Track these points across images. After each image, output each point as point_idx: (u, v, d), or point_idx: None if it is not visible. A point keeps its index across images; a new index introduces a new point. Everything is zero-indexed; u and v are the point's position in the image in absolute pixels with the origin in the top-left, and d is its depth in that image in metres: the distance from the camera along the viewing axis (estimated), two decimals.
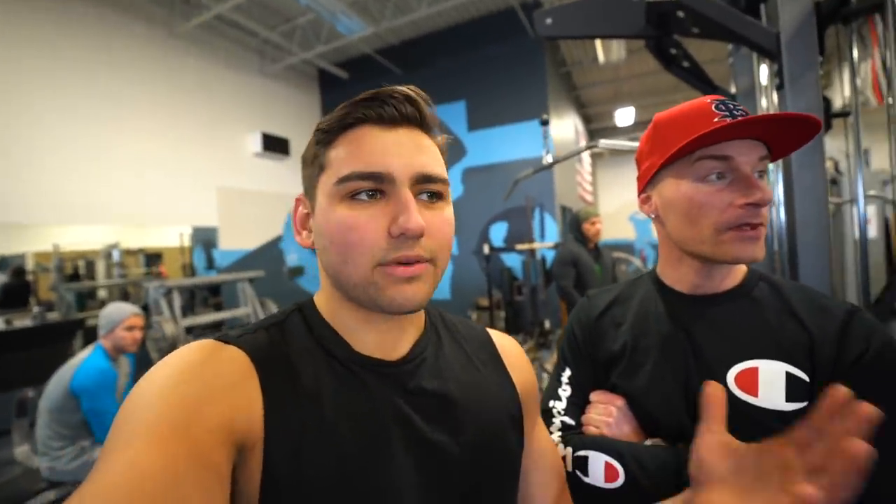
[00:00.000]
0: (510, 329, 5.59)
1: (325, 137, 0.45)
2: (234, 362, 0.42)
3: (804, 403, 0.54)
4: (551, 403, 0.72)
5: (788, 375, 0.56)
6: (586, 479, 0.60)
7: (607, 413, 0.65)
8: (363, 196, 0.43)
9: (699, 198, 0.58)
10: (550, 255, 5.95)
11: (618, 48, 5.83)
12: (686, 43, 1.61)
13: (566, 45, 6.66)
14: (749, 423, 0.54)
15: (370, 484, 0.42)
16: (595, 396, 0.69)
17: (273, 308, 5.15)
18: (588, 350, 0.72)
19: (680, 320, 0.65)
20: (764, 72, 1.52)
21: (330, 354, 0.46)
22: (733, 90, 1.65)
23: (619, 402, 0.66)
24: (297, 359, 0.45)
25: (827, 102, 1.52)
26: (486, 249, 4.44)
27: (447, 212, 0.46)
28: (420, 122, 0.46)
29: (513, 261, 6.02)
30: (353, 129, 0.44)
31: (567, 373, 0.73)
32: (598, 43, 6.06)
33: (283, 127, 6.25)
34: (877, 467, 0.39)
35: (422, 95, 0.46)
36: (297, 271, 6.46)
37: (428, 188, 0.45)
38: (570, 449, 0.63)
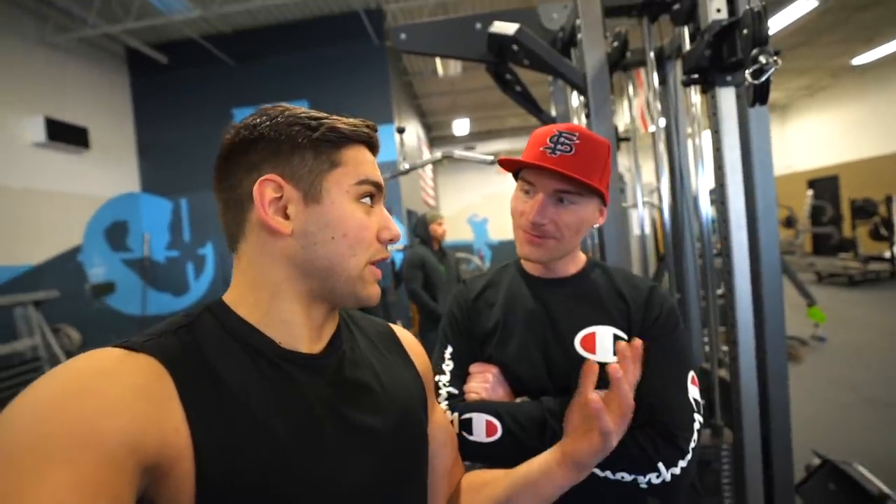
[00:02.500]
0: None
1: (337, 141, 0.50)
2: (145, 371, 0.39)
3: None
4: (437, 378, 0.83)
5: (614, 336, 0.75)
6: (471, 438, 0.73)
7: (484, 380, 0.78)
8: (368, 200, 0.52)
9: (513, 204, 0.79)
10: (400, 257, 6.15)
11: (454, 64, 6.34)
12: (518, 69, 1.89)
13: (408, 56, 6.95)
14: None
15: (310, 474, 0.44)
16: (474, 368, 0.82)
17: (75, 336, 4.19)
18: (466, 327, 0.85)
19: (539, 298, 0.81)
20: (575, 100, 1.89)
21: (255, 351, 0.47)
22: (553, 113, 2.00)
23: (494, 370, 0.80)
24: (216, 360, 0.44)
25: (615, 129, 1.97)
26: None
27: None
28: (378, 151, 0.56)
29: None
30: (358, 144, 0.52)
31: (449, 349, 0.85)
32: (437, 58, 6.48)
33: (79, 113, 5.08)
34: (645, 382, 0.65)
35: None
36: (106, 288, 5.36)
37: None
38: (456, 414, 0.75)
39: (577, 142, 0.72)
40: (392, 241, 0.52)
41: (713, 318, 1.65)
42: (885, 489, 1.73)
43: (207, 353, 0.44)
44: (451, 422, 0.74)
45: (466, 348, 0.84)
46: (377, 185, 0.52)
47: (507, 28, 1.49)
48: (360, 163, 0.51)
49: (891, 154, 8.82)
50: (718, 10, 1.18)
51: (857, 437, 2.72)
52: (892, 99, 9.63)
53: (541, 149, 0.73)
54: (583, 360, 0.72)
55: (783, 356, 1.37)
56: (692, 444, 0.68)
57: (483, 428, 0.73)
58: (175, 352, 0.42)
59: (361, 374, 0.54)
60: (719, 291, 1.79)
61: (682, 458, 0.67)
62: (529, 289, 0.83)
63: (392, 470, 0.52)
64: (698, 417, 0.71)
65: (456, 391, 0.80)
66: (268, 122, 0.48)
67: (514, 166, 0.78)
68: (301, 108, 0.51)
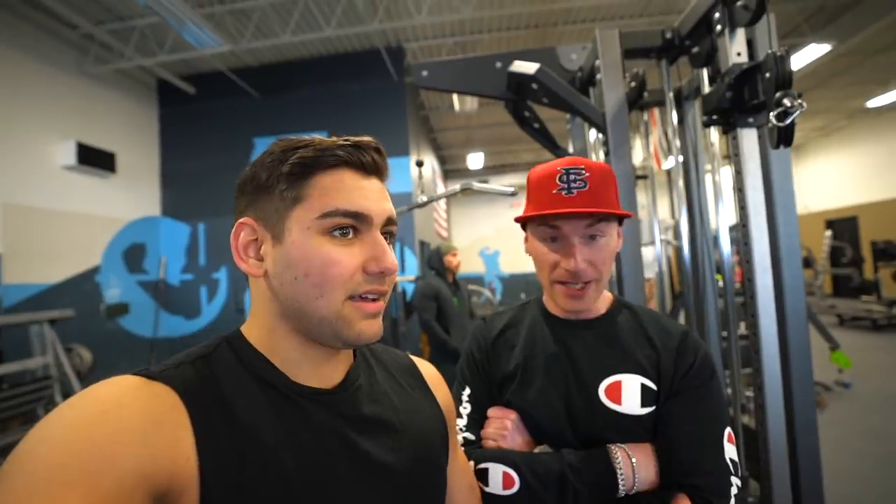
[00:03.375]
0: None
1: (301, 172, 0.46)
2: (160, 400, 0.40)
3: (653, 407, 0.70)
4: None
5: (643, 386, 0.70)
6: (487, 489, 0.69)
7: (502, 427, 0.74)
8: (339, 233, 0.46)
9: (539, 256, 0.74)
10: (411, 288, 6.14)
11: (471, 100, 6.51)
12: (536, 106, 1.93)
13: (425, 91, 7.17)
14: (616, 427, 0.69)
15: None
16: (492, 412, 0.77)
17: (87, 356, 4.22)
18: (485, 369, 0.81)
19: (562, 342, 0.76)
20: (592, 136, 1.91)
21: (268, 385, 0.46)
22: (571, 149, 2.02)
23: (513, 416, 0.75)
24: (231, 392, 0.44)
25: (632, 168, 1.97)
26: None
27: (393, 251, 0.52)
28: (383, 173, 0.51)
29: None
30: (333, 169, 0.47)
31: (467, 391, 0.81)
32: (455, 94, 6.67)
33: (107, 139, 5.30)
34: (677, 441, 0.64)
35: (384, 150, 0.52)
36: (120, 309, 5.42)
37: (389, 229, 0.51)
38: (472, 462, 0.71)
39: (587, 175, 0.69)
40: (384, 273, 0.47)
41: (736, 359, 1.59)
42: None
43: (222, 385, 0.44)
44: None
45: (485, 391, 0.80)
46: (356, 216, 0.46)
47: (527, 67, 1.53)
48: (329, 191, 0.46)
49: None
50: (739, 54, 1.20)
51: (887, 492, 2.56)
52: None
53: (554, 192, 0.69)
54: (607, 410, 0.69)
55: (811, 403, 1.31)
56: None
57: (500, 480, 0.68)
58: (191, 382, 0.42)
59: (379, 410, 0.52)
60: (740, 331, 1.74)
61: None
62: (552, 331, 0.78)
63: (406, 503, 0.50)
64: (735, 481, 0.66)
65: (472, 436, 0.77)
66: (258, 162, 0.48)
67: (538, 219, 0.72)
68: (302, 139, 0.48)
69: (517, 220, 0.75)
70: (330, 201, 0.45)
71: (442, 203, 10.30)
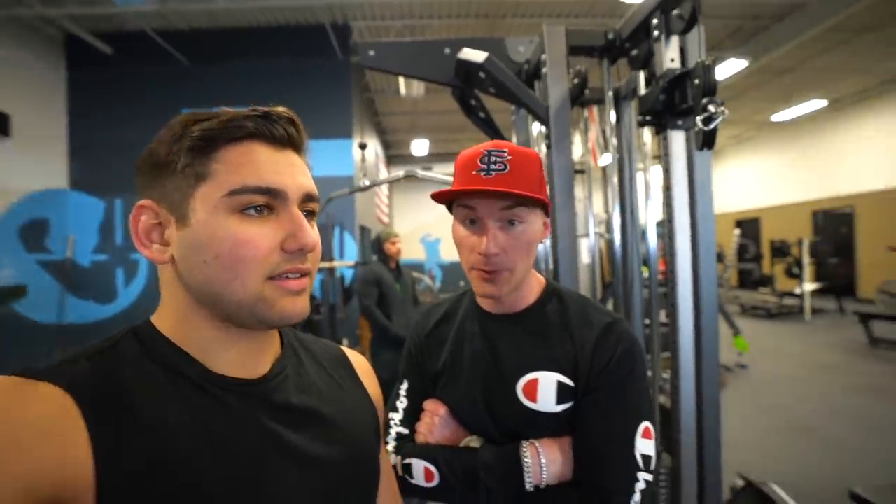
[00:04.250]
0: None
1: (205, 145, 0.42)
2: (45, 403, 0.35)
3: (570, 404, 0.70)
4: (390, 415, 0.82)
5: (559, 384, 0.70)
6: (412, 481, 0.74)
7: (431, 422, 0.77)
8: (253, 211, 0.43)
9: (458, 239, 0.71)
10: (350, 274, 6.03)
11: (418, 85, 6.44)
12: (482, 96, 1.94)
13: (371, 73, 6.98)
14: (532, 423, 0.71)
15: None
16: (426, 405, 0.80)
17: None
18: (420, 365, 0.83)
19: (488, 338, 0.76)
20: (535, 129, 1.96)
21: (182, 378, 0.42)
22: (514, 140, 2.06)
23: (442, 410, 0.77)
24: (136, 388, 0.40)
25: (572, 162, 2.05)
26: None
27: (316, 228, 0.49)
28: (299, 146, 0.48)
29: None
30: (241, 142, 0.43)
31: (405, 386, 0.83)
32: (401, 77, 6.55)
33: (0, 98, 4.65)
34: (585, 437, 0.68)
35: (300, 121, 0.48)
36: (16, 293, 4.83)
37: (309, 207, 0.47)
38: (399, 457, 0.75)
39: (510, 157, 0.67)
40: (303, 250, 0.44)
41: (656, 345, 1.73)
42: None
43: (125, 381, 0.40)
44: (395, 465, 0.74)
45: (420, 386, 0.82)
46: (269, 191, 0.42)
47: (476, 56, 1.53)
48: (238, 166, 0.42)
49: (803, 202, 9.84)
50: (672, 60, 1.28)
51: (774, 458, 2.93)
52: (805, 154, 10.82)
53: (473, 172, 0.67)
54: (524, 408, 0.71)
55: (717, 383, 1.46)
56: None
57: (422, 474, 0.72)
58: (85, 380, 0.38)
59: (308, 401, 0.50)
60: (661, 319, 1.89)
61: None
62: (479, 326, 0.78)
63: (340, 498, 0.49)
64: (643, 476, 0.66)
65: (406, 431, 0.79)
66: (157, 138, 0.44)
67: (449, 196, 0.70)
68: (207, 112, 0.44)
69: (434, 197, 0.72)
70: (238, 177, 0.42)
71: (384, 188, 10.15)
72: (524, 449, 0.69)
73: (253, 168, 0.42)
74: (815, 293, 7.93)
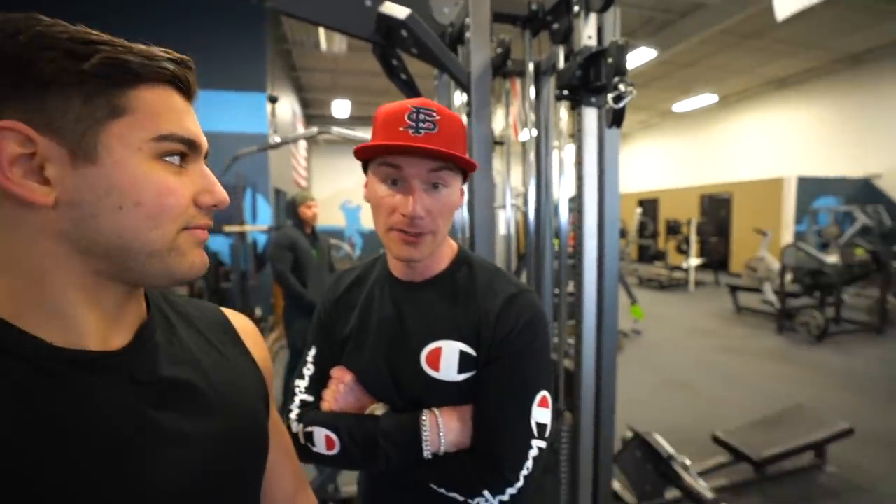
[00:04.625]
0: None
1: (121, 77, 0.37)
2: None
3: (472, 373, 0.70)
4: (296, 382, 0.79)
5: (461, 353, 0.70)
6: (314, 449, 0.72)
7: (336, 389, 0.74)
8: (176, 159, 0.41)
9: (377, 198, 0.67)
10: (263, 239, 5.67)
11: (340, 40, 6.05)
12: (406, 58, 1.86)
13: (289, 22, 6.41)
14: (434, 392, 0.71)
15: (106, 500, 0.35)
16: (333, 373, 0.77)
17: None
18: (329, 330, 0.80)
19: (395, 305, 0.74)
20: (458, 98, 1.92)
21: (9, 358, 0.35)
22: None
23: (348, 377, 0.75)
24: None
25: (491, 132, 2.06)
26: None
27: None
28: (194, 97, 0.44)
29: (219, 244, 5.42)
30: (158, 84, 0.40)
31: (312, 352, 0.80)
32: (321, 29, 6.10)
33: None
34: (481, 405, 0.69)
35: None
36: None
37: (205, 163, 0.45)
38: (301, 425, 0.73)
39: (438, 118, 0.64)
40: (217, 206, 0.43)
41: (563, 313, 1.84)
42: (671, 451, 2.18)
43: None
44: (297, 433, 0.72)
45: (329, 352, 0.79)
46: (190, 143, 0.41)
47: (398, 11, 1.44)
48: (161, 111, 0.39)
49: (695, 186, 11.00)
50: (590, 38, 1.30)
51: (658, 410, 3.33)
52: (698, 143, 12.05)
53: (401, 129, 0.63)
54: (426, 377, 0.70)
55: (615, 348, 1.59)
56: (524, 472, 0.66)
57: (323, 442, 0.71)
58: None
59: (182, 372, 0.44)
60: (569, 289, 2.01)
61: (510, 485, 0.66)
62: (389, 292, 0.76)
63: (223, 475, 0.45)
64: (537, 443, 0.68)
65: (311, 398, 0.76)
66: (23, 43, 0.33)
67: (375, 152, 0.65)
68: (92, 32, 0.37)
69: (356, 153, 0.67)
70: (165, 123, 0.39)
71: (302, 150, 9.58)
72: (423, 418, 0.69)
73: (174, 116, 0.40)
74: (698, 268, 9.01)
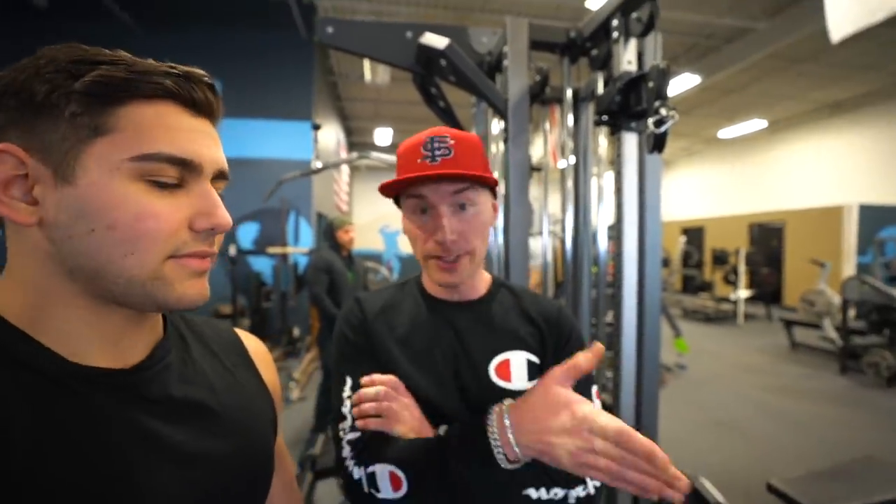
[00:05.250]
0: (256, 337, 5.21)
1: (108, 95, 0.36)
2: None
3: (538, 380, 0.70)
4: (340, 426, 0.67)
5: (528, 361, 0.72)
6: (380, 495, 0.61)
7: (399, 406, 0.65)
8: (162, 182, 0.37)
9: (411, 231, 0.70)
10: (304, 261, 5.84)
11: (383, 71, 6.30)
12: (445, 87, 1.91)
13: (336, 55, 6.76)
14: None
15: None
16: (384, 386, 0.66)
17: None
18: (366, 350, 0.72)
19: (447, 322, 0.74)
20: (495, 127, 1.94)
21: (28, 373, 0.36)
22: (472, 133, 2.04)
23: (388, 381, 0.66)
24: None
25: (529, 158, 2.06)
26: (232, 251, 4.03)
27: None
28: (216, 116, 0.43)
29: (262, 265, 5.63)
30: (154, 101, 0.38)
31: (348, 385, 0.70)
32: (366, 62, 6.39)
33: None
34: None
35: (217, 88, 0.43)
36: None
37: (219, 185, 0.43)
38: (362, 467, 0.62)
39: (452, 142, 0.67)
40: (214, 230, 0.39)
41: (601, 343, 1.77)
42: (720, 498, 2.00)
43: None
44: (360, 479, 0.61)
45: (369, 373, 0.70)
46: (183, 163, 0.38)
47: (437, 41, 1.49)
48: (149, 129, 0.37)
49: (742, 214, 10.52)
50: (629, 63, 1.29)
51: (704, 452, 3.11)
52: (745, 170, 11.57)
53: (419, 160, 0.66)
54: (498, 389, 0.69)
55: (656, 382, 1.51)
56: None
57: (388, 482, 0.60)
58: None
59: (193, 392, 0.44)
60: (608, 319, 1.94)
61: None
62: (435, 312, 0.75)
63: (229, 497, 0.44)
64: None
65: (360, 434, 0.65)
66: (29, 69, 0.35)
67: (396, 187, 0.67)
68: (102, 51, 0.37)
69: (382, 190, 0.69)
70: (150, 141, 0.36)
71: (344, 176, 9.92)
72: (489, 415, 0.59)
73: (167, 133, 0.37)
74: (747, 300, 8.50)
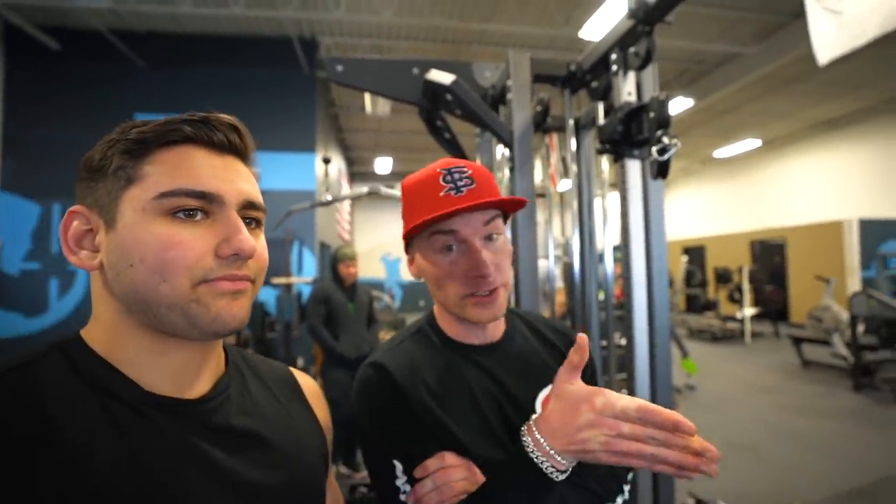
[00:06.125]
0: None
1: (138, 148, 0.42)
2: None
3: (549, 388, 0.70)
4: None
5: None
6: None
7: (469, 472, 0.61)
8: (183, 214, 0.41)
9: (438, 271, 0.64)
10: (307, 291, 5.86)
11: (383, 103, 6.46)
12: (449, 118, 1.97)
13: (337, 89, 6.96)
14: None
15: None
16: (431, 464, 0.61)
17: None
18: (410, 417, 0.64)
19: (483, 370, 0.69)
20: (499, 153, 2.00)
21: (110, 397, 0.40)
22: (478, 163, 2.09)
23: (455, 460, 0.61)
24: (56, 410, 0.37)
25: (534, 186, 2.11)
26: None
27: (263, 239, 0.48)
28: (243, 153, 0.47)
29: (266, 295, 5.64)
30: (176, 146, 0.43)
31: (399, 468, 0.61)
32: (366, 94, 6.56)
33: None
34: None
35: (245, 129, 0.47)
36: None
37: (251, 214, 0.46)
38: None
39: (471, 172, 0.65)
40: (237, 255, 0.42)
41: (612, 366, 1.77)
42: None
43: (46, 402, 0.37)
44: None
45: (421, 452, 0.61)
46: (201, 195, 0.41)
47: (444, 77, 1.56)
48: (172, 170, 0.41)
49: (744, 232, 10.56)
50: (629, 94, 1.35)
51: (721, 476, 3.04)
52: (743, 188, 11.69)
53: (441, 194, 0.63)
54: None
55: (669, 403, 1.51)
56: None
57: None
58: None
59: (251, 424, 0.47)
60: (616, 340, 1.94)
61: (627, 481, 0.68)
62: (466, 360, 0.70)
63: None
64: None
65: None
66: (94, 146, 0.44)
67: (430, 223, 0.62)
68: (144, 121, 0.44)
69: (406, 236, 0.67)
70: (169, 180, 0.41)
71: (346, 205, 10.03)
72: (522, 438, 0.57)
73: (187, 171, 0.42)
74: (753, 317, 8.45)
